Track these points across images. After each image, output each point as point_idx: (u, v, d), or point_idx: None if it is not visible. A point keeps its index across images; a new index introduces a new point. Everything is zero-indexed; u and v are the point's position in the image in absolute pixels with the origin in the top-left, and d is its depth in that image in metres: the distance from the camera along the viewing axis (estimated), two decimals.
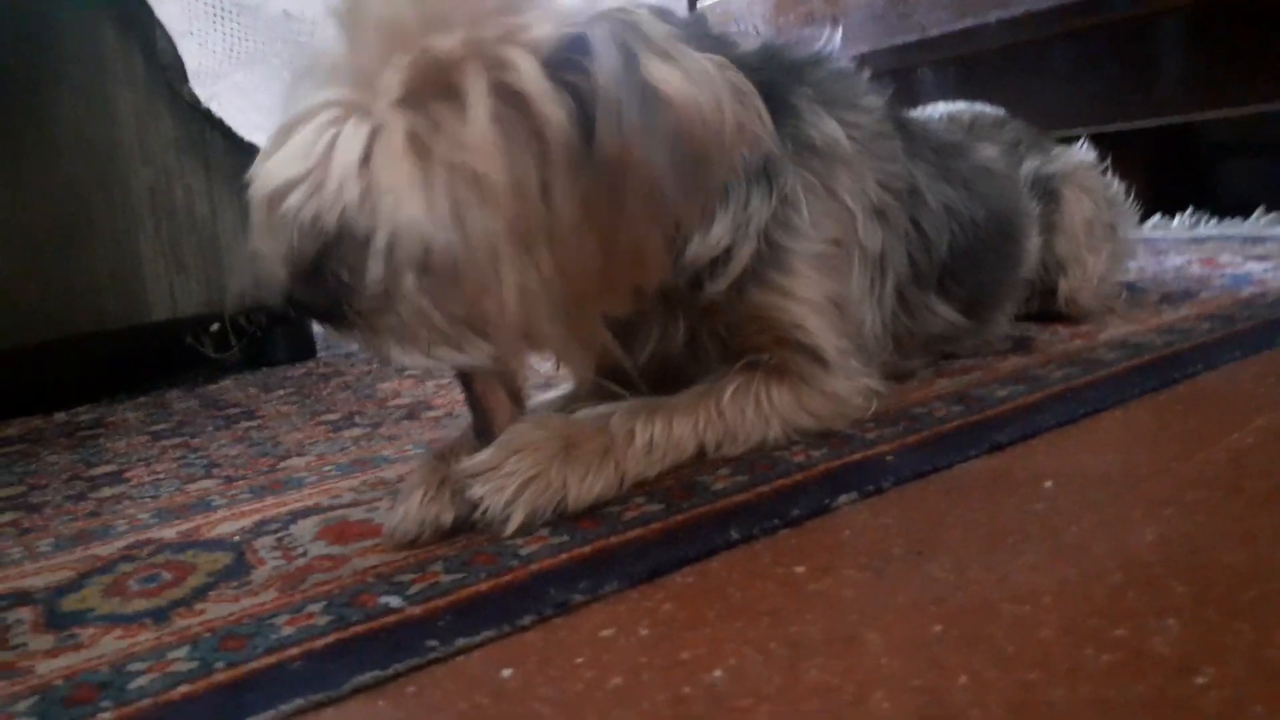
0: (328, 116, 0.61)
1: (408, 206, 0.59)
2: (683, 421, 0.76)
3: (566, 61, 0.61)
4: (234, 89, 1.33)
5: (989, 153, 1.07)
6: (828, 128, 0.84)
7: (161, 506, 0.85)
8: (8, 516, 0.87)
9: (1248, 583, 0.50)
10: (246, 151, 1.37)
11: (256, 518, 0.78)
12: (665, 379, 0.83)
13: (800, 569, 0.57)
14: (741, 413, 0.78)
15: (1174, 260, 1.50)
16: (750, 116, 0.65)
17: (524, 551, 0.63)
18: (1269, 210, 1.80)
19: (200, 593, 0.64)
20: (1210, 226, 1.83)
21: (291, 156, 0.61)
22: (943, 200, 0.94)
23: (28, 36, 1.24)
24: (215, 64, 1.30)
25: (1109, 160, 1.26)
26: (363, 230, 0.60)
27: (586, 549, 0.62)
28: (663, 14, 0.78)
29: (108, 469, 1.01)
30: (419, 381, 1.29)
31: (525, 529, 0.66)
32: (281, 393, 1.33)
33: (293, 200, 0.61)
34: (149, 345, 1.58)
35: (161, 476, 0.95)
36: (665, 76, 0.60)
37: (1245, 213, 1.86)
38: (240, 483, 0.90)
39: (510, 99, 0.60)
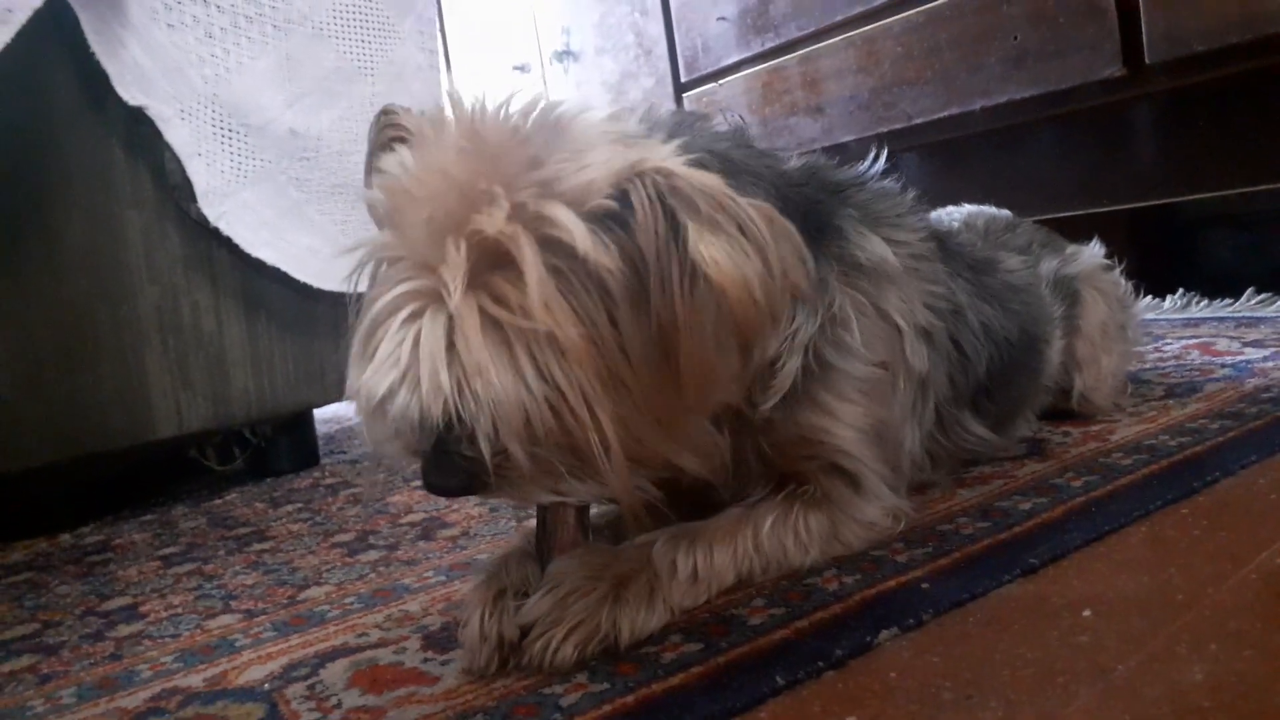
0: (405, 313, 0.64)
1: (498, 384, 0.61)
2: (722, 551, 0.77)
3: (610, 214, 0.62)
4: (241, 206, 1.34)
5: (1013, 264, 1.09)
6: (874, 247, 0.86)
7: (183, 647, 0.84)
8: (25, 660, 0.86)
9: None
10: (254, 267, 1.38)
11: (284, 660, 0.77)
12: (707, 492, 0.84)
13: (851, 719, 0.57)
14: (781, 545, 0.79)
15: (1172, 347, 1.52)
16: (796, 267, 0.66)
17: (565, 703, 0.62)
18: (1257, 289, 1.84)
19: None
20: (1201, 308, 1.86)
21: (384, 362, 0.64)
22: (981, 319, 0.97)
23: (36, 157, 1.25)
24: (223, 183, 1.32)
25: (1096, 239, 1.28)
26: (467, 415, 0.63)
27: (630, 699, 0.62)
28: (699, 122, 0.80)
29: (122, 601, 1.00)
30: (429, 495, 1.28)
31: (575, 667, 0.67)
32: (290, 508, 1.32)
33: (398, 404, 0.64)
34: (152, 460, 1.57)
35: (179, 610, 0.94)
36: (712, 255, 0.61)
37: (1227, 285, 1.89)
38: (262, 618, 0.89)
39: (560, 250, 0.62)
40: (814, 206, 0.84)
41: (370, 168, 0.76)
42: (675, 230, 0.61)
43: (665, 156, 0.66)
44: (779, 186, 0.80)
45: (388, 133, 0.74)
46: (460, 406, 0.62)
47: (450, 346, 0.62)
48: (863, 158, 1.00)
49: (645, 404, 0.65)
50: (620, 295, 0.62)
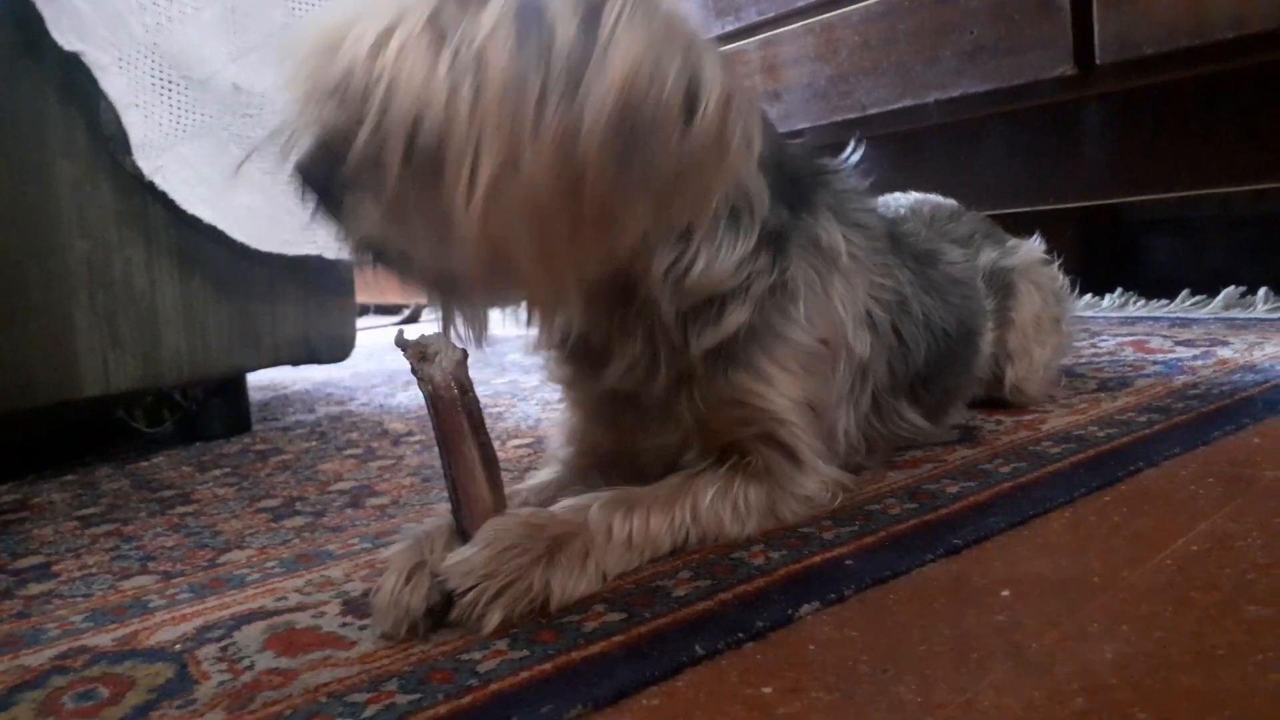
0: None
1: (407, 81, 0.63)
2: (660, 519, 0.77)
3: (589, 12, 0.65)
4: (179, 161, 1.30)
5: (955, 256, 1.10)
6: (835, 234, 0.88)
7: (95, 607, 0.81)
8: None
9: (1207, 708, 0.51)
10: (190, 224, 1.34)
11: (198, 622, 0.75)
12: (642, 460, 0.87)
13: (768, 690, 0.57)
14: (718, 516, 0.79)
15: (1108, 343, 1.55)
16: (737, 121, 0.68)
17: (482, 669, 0.62)
18: (1192, 291, 1.87)
19: (141, 712, 0.61)
20: (1139, 307, 1.90)
21: (319, 24, 0.69)
22: (923, 310, 0.98)
23: None
24: (160, 136, 1.28)
25: (1038, 234, 1.30)
26: (366, 88, 0.65)
27: (548, 666, 0.61)
28: None
29: (35, 560, 0.97)
30: (361, 463, 1.26)
31: (502, 628, 0.67)
32: (218, 473, 1.29)
33: (308, 58, 0.68)
34: (78, 420, 1.53)
35: (93, 571, 0.91)
36: (632, 39, 0.64)
37: (1165, 286, 1.94)
38: (179, 580, 0.86)
39: (533, 13, 0.64)
40: (800, 180, 0.87)
41: None
42: (629, 17, 0.64)
43: None
44: (781, 146, 0.84)
45: None
46: (361, 71, 0.64)
47: (387, 29, 0.64)
48: (818, 145, 1.01)
49: (527, 200, 0.65)
50: (558, 76, 0.63)
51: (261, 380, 2.11)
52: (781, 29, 2.29)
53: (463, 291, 0.73)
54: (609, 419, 0.89)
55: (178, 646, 0.71)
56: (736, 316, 0.80)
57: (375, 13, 0.66)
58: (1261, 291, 1.77)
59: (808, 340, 0.84)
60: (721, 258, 0.79)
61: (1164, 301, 1.89)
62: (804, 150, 0.95)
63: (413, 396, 1.72)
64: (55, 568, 0.93)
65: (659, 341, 0.81)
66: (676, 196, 0.69)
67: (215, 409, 1.54)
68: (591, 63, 0.63)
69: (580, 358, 0.88)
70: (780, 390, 0.82)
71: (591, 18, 0.64)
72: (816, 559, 0.75)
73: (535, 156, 0.64)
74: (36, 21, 1.20)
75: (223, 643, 0.71)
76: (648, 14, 0.65)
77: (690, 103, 0.66)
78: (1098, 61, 1.77)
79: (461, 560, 0.68)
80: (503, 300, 0.77)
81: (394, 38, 0.64)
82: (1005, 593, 0.67)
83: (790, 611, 0.66)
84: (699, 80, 0.66)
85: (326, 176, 0.68)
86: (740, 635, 0.63)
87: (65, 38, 1.21)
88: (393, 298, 3.90)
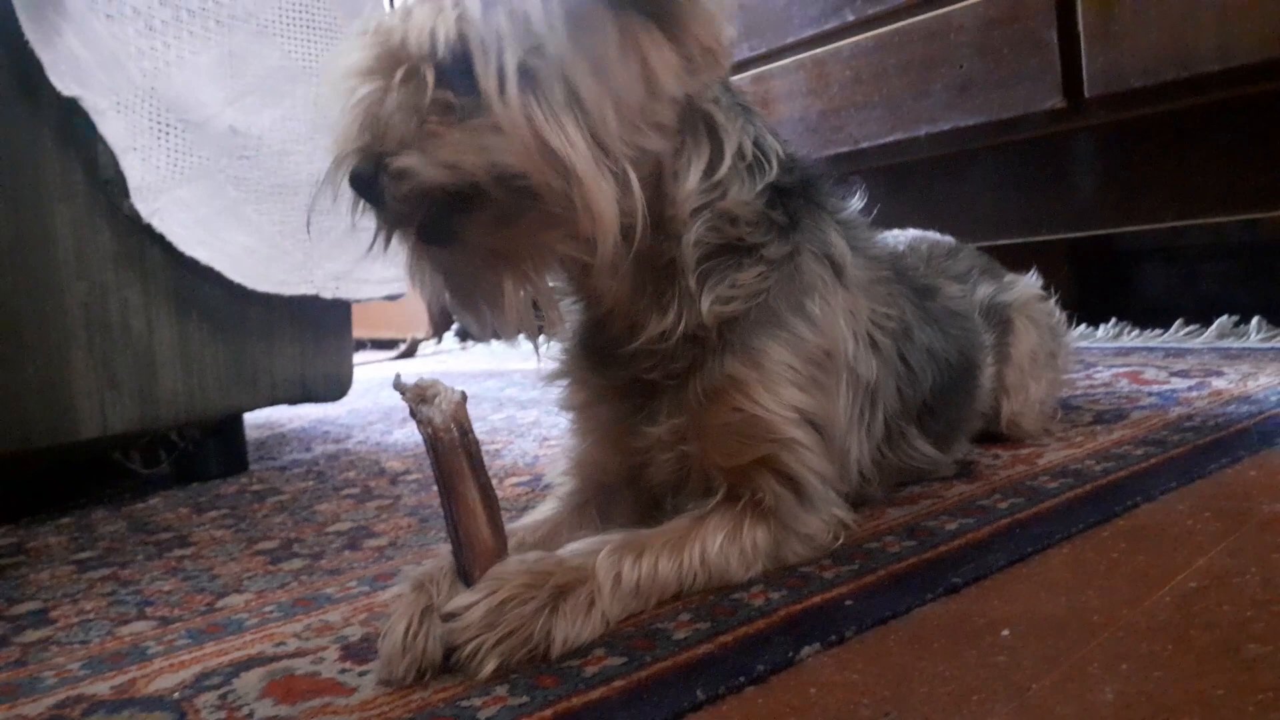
0: None
1: (416, 15, 0.71)
2: (668, 563, 0.77)
3: None
4: (176, 203, 1.31)
5: (954, 290, 1.12)
6: (843, 252, 0.89)
7: (92, 654, 0.81)
8: None
9: None
10: (187, 266, 1.35)
11: (196, 669, 0.75)
12: (649, 481, 0.88)
13: None
14: (726, 560, 0.79)
15: (1103, 374, 1.56)
16: None
17: (483, 715, 0.61)
18: (1186, 321, 1.88)
19: None
20: (1133, 337, 1.91)
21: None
22: (926, 340, 0.99)
23: None
24: (158, 179, 1.29)
25: (1034, 269, 1.31)
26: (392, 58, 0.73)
27: (548, 713, 0.61)
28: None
29: (31, 606, 0.96)
30: (358, 503, 1.26)
31: (503, 672, 0.67)
32: (215, 514, 1.29)
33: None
34: (74, 461, 1.52)
35: (91, 617, 0.91)
36: None
37: (1158, 316, 1.95)
38: (177, 625, 0.86)
39: None
40: (814, 185, 0.90)
41: None
42: None
43: None
44: (793, 158, 0.88)
45: None
46: (385, 43, 0.72)
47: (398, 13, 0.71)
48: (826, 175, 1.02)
49: (560, 70, 0.69)
50: None
51: (258, 419, 2.11)
52: (774, 64, 2.32)
53: (524, 220, 0.74)
54: (616, 442, 0.89)
55: (176, 694, 0.71)
56: (750, 274, 0.82)
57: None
58: (1255, 320, 1.78)
59: (812, 340, 0.84)
60: (744, 189, 0.82)
61: (1158, 331, 1.90)
62: (816, 166, 0.95)
63: (409, 434, 1.72)
64: (53, 614, 0.93)
65: (685, 309, 0.82)
66: (694, 20, 0.74)
67: (212, 449, 1.54)
68: None
69: (595, 351, 0.89)
70: (780, 396, 0.82)
71: None
72: (816, 599, 0.75)
73: (554, 35, 0.68)
74: (35, 67, 1.21)
75: (221, 690, 0.70)
76: None
77: None
78: (1086, 94, 1.79)
79: (462, 609, 0.68)
80: (563, 241, 0.76)
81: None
82: (1005, 632, 0.67)
83: (791, 654, 0.66)
84: None
85: (372, 166, 0.71)
86: (741, 679, 0.63)
87: (64, 83, 1.23)
88: (388, 332, 3.91)
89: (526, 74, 0.69)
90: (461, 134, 0.71)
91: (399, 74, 0.71)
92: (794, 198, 0.86)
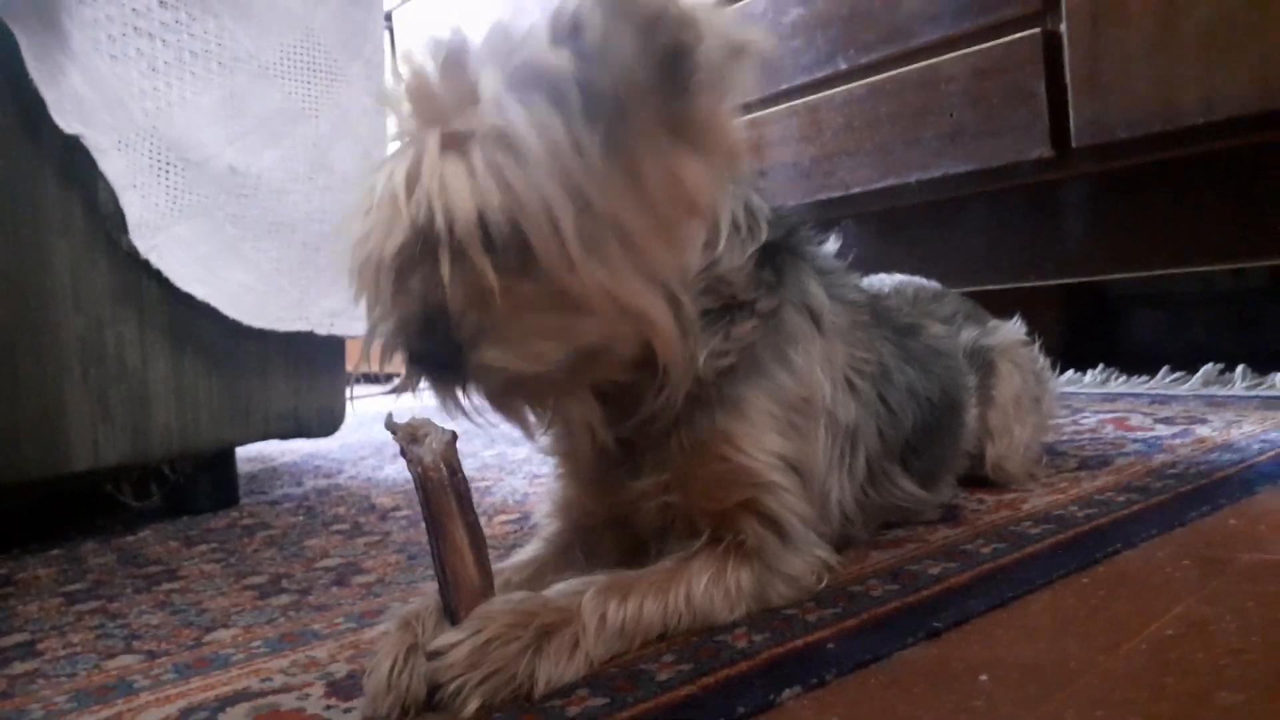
0: (383, 171, 0.70)
1: (453, 189, 0.66)
2: (653, 605, 0.78)
3: (573, 25, 0.68)
4: (174, 240, 1.33)
5: (937, 330, 1.13)
6: (821, 303, 0.91)
7: (79, 687, 0.81)
8: None
9: None
10: (183, 301, 1.37)
11: (182, 704, 0.76)
12: (633, 527, 0.89)
13: None
14: (711, 602, 0.80)
15: (1089, 420, 1.57)
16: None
17: None
18: (1172, 368, 1.90)
19: None
20: (1120, 383, 1.92)
21: (362, 210, 0.70)
22: (906, 380, 1.01)
23: None
24: (157, 216, 1.31)
25: (1020, 317, 1.33)
26: (428, 224, 0.67)
27: None
28: None
29: (19, 638, 0.97)
30: (347, 539, 1.27)
31: (485, 711, 0.67)
32: (204, 548, 1.29)
33: (370, 249, 0.69)
34: (65, 493, 1.53)
35: (78, 649, 0.91)
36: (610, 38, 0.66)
37: (1148, 362, 1.97)
38: (164, 659, 0.86)
39: (524, 73, 0.67)
40: (793, 236, 0.92)
41: None
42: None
43: None
44: (776, 212, 0.90)
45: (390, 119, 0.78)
46: (418, 218, 0.67)
47: (413, 173, 0.67)
48: (805, 220, 1.04)
49: (612, 220, 0.67)
50: (576, 107, 0.66)
51: (249, 453, 2.11)
52: (768, 110, 2.35)
53: (595, 366, 0.76)
54: (599, 488, 0.90)
55: None
56: (746, 328, 0.84)
57: (391, 164, 0.69)
58: (1239, 369, 1.79)
59: (792, 388, 0.86)
60: (736, 256, 0.84)
61: (1145, 378, 1.92)
62: (796, 216, 0.97)
63: (400, 470, 1.73)
64: (40, 646, 0.93)
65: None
66: (716, 131, 0.73)
67: (203, 483, 1.55)
68: (596, 72, 0.66)
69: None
70: (762, 442, 0.84)
71: (572, 33, 0.68)
72: (799, 642, 0.75)
73: (597, 185, 0.67)
74: (37, 105, 1.23)
75: None
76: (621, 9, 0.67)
77: (682, 51, 0.68)
78: (1074, 145, 1.82)
79: (447, 648, 0.69)
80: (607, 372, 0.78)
81: (422, 168, 0.67)
82: (983, 677, 0.68)
83: (772, 696, 0.66)
84: (683, 24, 0.68)
85: (439, 344, 0.71)
86: None
87: (66, 120, 1.25)
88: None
89: (584, 237, 0.67)
90: (538, 317, 0.71)
91: (445, 255, 0.68)
92: (779, 253, 0.88)
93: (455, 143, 0.68)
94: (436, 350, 0.71)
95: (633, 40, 0.66)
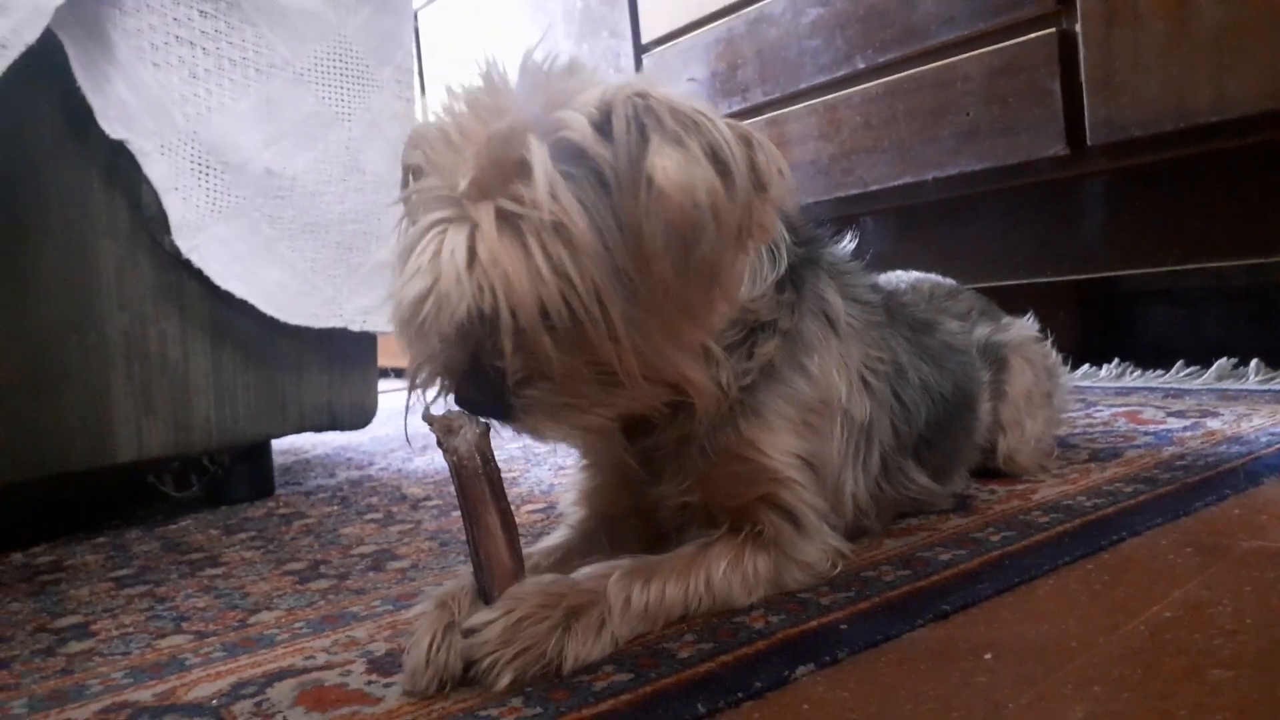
0: (434, 230, 0.72)
1: (515, 278, 0.69)
2: (675, 588, 0.82)
3: (599, 127, 0.71)
4: (214, 240, 1.38)
5: (952, 327, 1.17)
6: (837, 306, 0.95)
7: (134, 664, 0.86)
8: None
9: None
10: (223, 299, 1.42)
11: (232, 679, 0.81)
12: (656, 518, 0.93)
13: None
14: (730, 586, 0.85)
15: (1102, 413, 1.60)
16: (773, 177, 0.75)
17: None
18: (1186, 362, 1.93)
19: None
20: (1134, 377, 1.95)
21: (413, 274, 0.72)
22: (920, 376, 1.04)
23: (15, 184, 1.29)
24: (198, 217, 1.36)
25: (1036, 312, 1.36)
26: (487, 307, 0.70)
27: None
28: None
29: (73, 620, 1.02)
30: (381, 527, 1.32)
31: (518, 685, 0.72)
32: (243, 536, 1.35)
33: (426, 312, 0.71)
34: (109, 484, 1.59)
35: (130, 630, 0.96)
36: (664, 164, 0.69)
37: (1163, 357, 1.99)
38: (212, 639, 0.91)
39: (571, 154, 0.70)
40: (809, 244, 0.95)
41: (405, 180, 0.84)
42: (641, 145, 0.69)
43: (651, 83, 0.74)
44: (793, 227, 0.93)
45: (415, 154, 0.80)
46: (481, 301, 0.70)
47: (471, 249, 0.69)
48: (821, 221, 1.08)
49: (650, 304, 0.72)
50: (619, 194, 0.70)
51: (283, 445, 2.17)
52: (787, 109, 2.39)
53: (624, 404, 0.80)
54: (622, 479, 0.95)
55: (214, 701, 0.76)
56: (770, 346, 0.88)
57: (449, 236, 0.71)
58: (1253, 363, 1.82)
59: (811, 394, 0.91)
60: (760, 284, 0.87)
61: (1159, 372, 1.94)
62: (814, 228, 1.01)
63: (430, 461, 1.78)
64: (93, 627, 0.99)
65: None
66: (751, 229, 0.76)
67: (241, 474, 1.60)
68: (637, 168, 0.69)
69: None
70: (781, 444, 0.88)
71: (605, 127, 0.71)
72: (813, 623, 0.79)
73: (644, 277, 0.71)
74: (85, 111, 1.29)
75: (256, 699, 0.76)
76: (665, 137, 0.70)
77: (723, 167, 0.71)
78: (1089, 143, 1.85)
79: (482, 626, 0.73)
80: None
81: (478, 246, 0.70)
82: (988, 656, 0.72)
83: (787, 673, 0.71)
84: (719, 144, 0.72)
85: (494, 397, 0.75)
86: (739, 695, 0.68)
87: (112, 126, 1.30)
88: None
89: (629, 320, 0.72)
90: (586, 388, 0.76)
91: (508, 336, 0.72)
92: (798, 267, 0.92)
93: (510, 222, 0.70)
94: (486, 401, 0.76)
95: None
